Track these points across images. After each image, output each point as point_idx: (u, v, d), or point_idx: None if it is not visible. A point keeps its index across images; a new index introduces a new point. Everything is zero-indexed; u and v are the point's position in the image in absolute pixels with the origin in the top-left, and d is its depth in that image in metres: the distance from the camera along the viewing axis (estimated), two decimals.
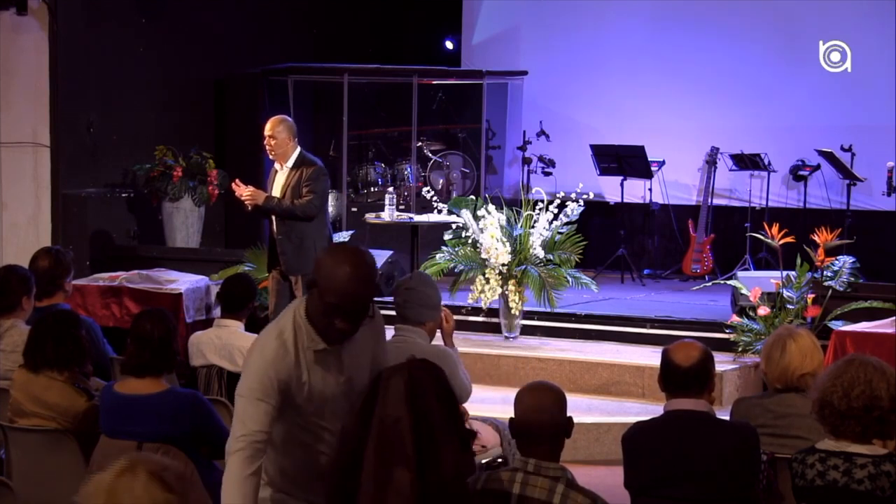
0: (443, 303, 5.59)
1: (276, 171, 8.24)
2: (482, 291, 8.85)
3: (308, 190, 8.04)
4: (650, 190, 11.95)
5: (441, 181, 12.34)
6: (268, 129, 8.12)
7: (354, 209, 11.88)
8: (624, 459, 4.20)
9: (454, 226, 9.14)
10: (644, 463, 4.11)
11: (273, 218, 8.19)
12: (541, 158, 12.44)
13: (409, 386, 3.12)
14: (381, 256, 10.21)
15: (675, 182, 12.22)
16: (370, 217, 9.83)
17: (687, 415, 4.09)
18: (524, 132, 12.57)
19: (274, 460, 3.74)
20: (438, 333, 5.58)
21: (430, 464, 3.05)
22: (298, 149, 8.20)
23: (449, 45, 13.73)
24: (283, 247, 8.10)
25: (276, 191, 8.16)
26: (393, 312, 5.43)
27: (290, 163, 8.13)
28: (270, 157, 8.21)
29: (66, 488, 4.59)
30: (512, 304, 8.91)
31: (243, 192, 8.11)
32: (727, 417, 4.51)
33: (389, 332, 5.64)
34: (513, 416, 3.76)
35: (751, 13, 12.09)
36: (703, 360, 4.14)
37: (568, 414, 3.75)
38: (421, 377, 3.16)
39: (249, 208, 8.20)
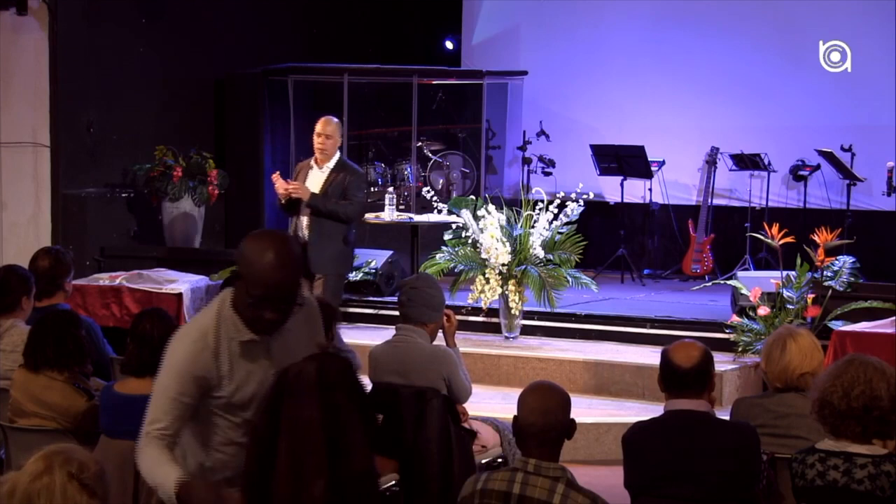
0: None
1: (310, 168, 8.34)
2: (482, 291, 8.84)
3: (353, 195, 8.22)
4: (650, 190, 11.95)
5: (441, 181, 12.33)
6: (322, 128, 8.28)
7: None
8: (624, 459, 4.20)
9: (454, 226, 9.14)
10: (644, 462, 4.11)
11: (302, 216, 8.24)
12: (541, 158, 12.44)
13: (319, 383, 3.05)
14: (381, 256, 10.22)
15: (675, 182, 12.22)
16: (370, 217, 9.82)
17: (687, 415, 4.08)
18: (524, 132, 12.57)
19: (203, 460, 3.65)
20: (440, 333, 5.60)
21: (340, 461, 3.00)
22: (339, 151, 8.38)
23: (449, 45, 13.73)
24: (312, 246, 8.10)
25: (314, 187, 8.26)
26: (394, 312, 5.44)
27: (332, 164, 8.27)
28: (318, 155, 8.31)
29: None
30: (512, 304, 8.91)
31: (288, 186, 8.18)
32: (727, 417, 4.51)
33: (390, 331, 5.66)
34: (516, 415, 3.76)
35: (751, 13, 12.09)
36: (704, 360, 4.13)
37: (570, 416, 3.76)
38: (328, 372, 3.08)
39: (284, 201, 8.26)
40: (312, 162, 8.37)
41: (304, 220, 8.28)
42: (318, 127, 8.35)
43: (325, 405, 3.02)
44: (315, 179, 8.29)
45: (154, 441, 3.52)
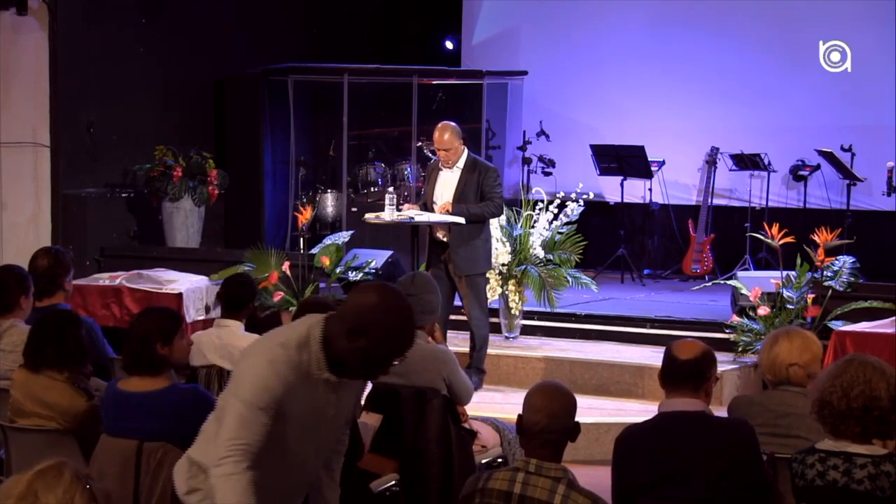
0: None
1: (440, 170, 8.19)
2: None
3: (491, 193, 8.06)
4: (650, 190, 11.95)
5: None
6: (439, 143, 8.08)
7: (354, 209, 11.87)
8: (614, 463, 4.16)
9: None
10: (637, 466, 4.07)
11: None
12: (541, 158, 12.45)
13: None
14: (381, 256, 10.22)
15: (675, 182, 12.23)
16: (370, 217, 9.79)
17: (680, 416, 4.06)
18: (524, 132, 12.57)
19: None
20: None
21: None
22: (466, 149, 8.20)
23: (449, 45, 13.74)
24: (454, 249, 8.05)
25: (447, 190, 8.13)
26: None
27: (461, 163, 8.12)
28: (443, 166, 8.16)
29: None
30: (512, 304, 8.92)
31: (439, 209, 8.07)
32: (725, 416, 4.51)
33: None
34: (521, 413, 3.76)
35: (751, 14, 12.09)
36: (702, 357, 4.12)
37: (575, 419, 3.76)
38: None
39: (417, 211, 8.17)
40: (441, 163, 8.21)
41: (444, 226, 8.14)
42: (435, 143, 8.17)
43: None
44: (447, 181, 8.15)
45: (231, 460, 3.38)
